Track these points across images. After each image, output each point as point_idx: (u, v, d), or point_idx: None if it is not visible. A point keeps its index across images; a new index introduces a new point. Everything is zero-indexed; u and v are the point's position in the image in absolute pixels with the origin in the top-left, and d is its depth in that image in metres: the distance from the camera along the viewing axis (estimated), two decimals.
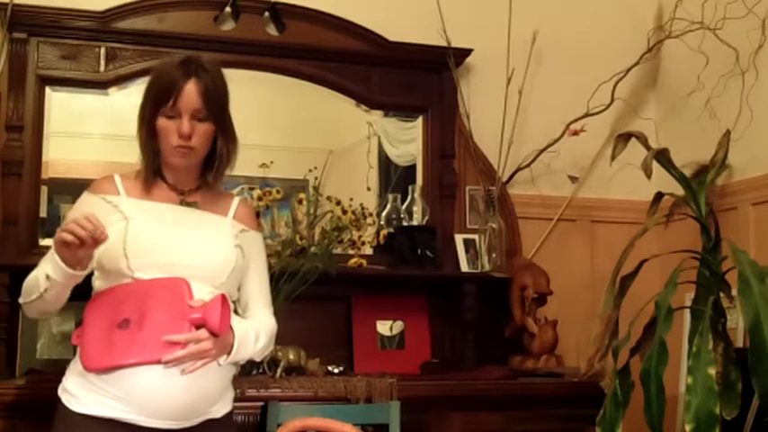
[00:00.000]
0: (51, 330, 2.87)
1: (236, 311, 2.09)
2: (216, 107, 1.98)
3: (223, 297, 1.89)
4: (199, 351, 1.85)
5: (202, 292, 1.92)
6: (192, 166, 2.03)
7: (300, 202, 3.05)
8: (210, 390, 1.95)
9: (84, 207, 2.01)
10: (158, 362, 1.83)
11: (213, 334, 1.86)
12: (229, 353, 1.94)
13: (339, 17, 3.31)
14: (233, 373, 2.07)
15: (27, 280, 1.98)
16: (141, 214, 1.98)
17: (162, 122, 1.96)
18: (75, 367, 1.94)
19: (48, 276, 1.88)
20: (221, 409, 2.01)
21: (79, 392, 1.90)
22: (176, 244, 1.96)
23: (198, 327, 1.86)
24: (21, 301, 2.00)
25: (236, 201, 2.15)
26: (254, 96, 3.26)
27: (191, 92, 1.94)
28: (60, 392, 1.95)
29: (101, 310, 1.91)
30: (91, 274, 2.00)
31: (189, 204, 2.04)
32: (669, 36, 3.45)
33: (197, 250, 1.98)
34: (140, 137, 2.01)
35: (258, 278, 2.14)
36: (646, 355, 2.42)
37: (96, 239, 1.81)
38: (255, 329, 2.03)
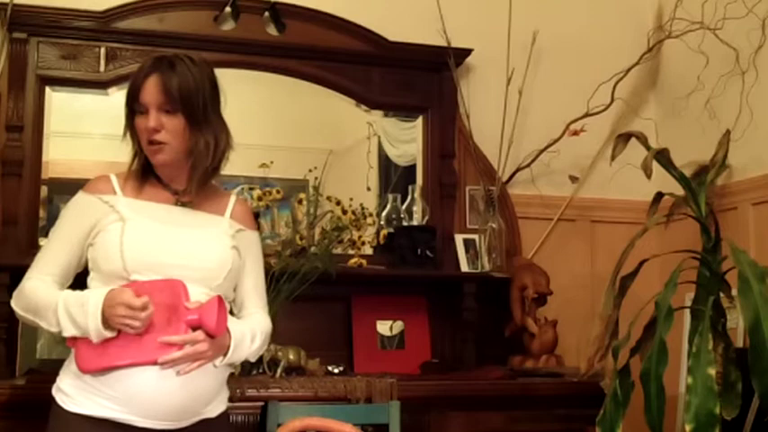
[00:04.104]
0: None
1: (231, 312, 2.08)
2: (182, 99, 1.93)
3: (219, 298, 1.88)
4: (195, 352, 1.85)
5: (199, 294, 1.92)
6: (176, 162, 1.99)
7: (300, 202, 3.05)
8: (206, 390, 1.95)
9: (81, 207, 2.01)
10: (154, 363, 1.83)
11: (210, 335, 1.86)
12: (225, 354, 1.93)
13: (339, 17, 3.31)
14: (228, 373, 2.07)
15: (36, 299, 1.92)
16: (137, 215, 1.96)
17: (136, 121, 1.97)
18: (69, 367, 1.93)
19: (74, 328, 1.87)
20: (216, 408, 2.01)
21: (74, 392, 1.89)
22: (173, 245, 1.95)
23: (194, 328, 1.85)
24: (19, 311, 1.96)
25: (232, 199, 2.14)
26: (254, 96, 3.26)
27: (151, 85, 1.93)
28: (54, 392, 1.94)
29: None
30: (86, 274, 2.00)
31: (184, 204, 2.03)
32: (669, 36, 3.45)
33: (193, 252, 1.97)
34: (130, 140, 2.03)
35: (254, 278, 2.13)
36: (646, 355, 2.42)
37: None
38: (252, 330, 2.03)
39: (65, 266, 1.99)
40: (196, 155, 1.99)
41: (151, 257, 1.92)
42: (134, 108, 1.96)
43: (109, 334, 1.83)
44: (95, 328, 1.82)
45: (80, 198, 2.03)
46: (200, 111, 1.97)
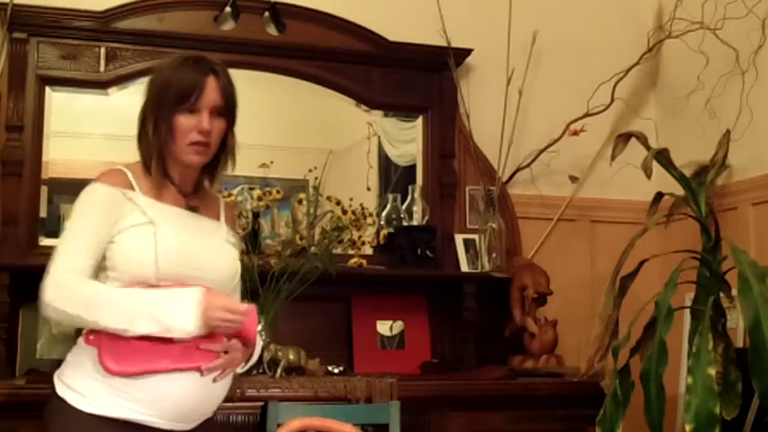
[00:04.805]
0: (51, 330, 2.86)
1: None
2: (232, 104, 2.00)
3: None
4: (232, 360, 1.91)
5: None
6: (201, 165, 2.01)
7: (300, 202, 3.05)
8: (223, 393, 2.00)
9: (105, 199, 1.91)
10: (197, 369, 1.86)
11: (246, 344, 1.92)
12: (247, 360, 1.99)
13: (339, 17, 3.31)
14: None
15: (90, 294, 1.83)
16: (164, 220, 1.93)
17: (181, 119, 1.93)
18: (81, 365, 1.88)
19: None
20: None
21: (91, 393, 1.85)
22: (197, 256, 1.95)
23: (229, 336, 1.90)
24: (64, 308, 1.81)
25: (222, 203, 2.16)
26: (254, 96, 3.24)
27: (212, 88, 1.94)
28: (62, 391, 1.89)
29: None
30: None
31: (192, 209, 2.03)
32: (669, 36, 3.45)
33: (214, 262, 1.98)
34: (151, 136, 1.95)
35: (238, 282, 2.16)
36: (646, 355, 2.42)
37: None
38: None
39: (95, 259, 1.89)
40: (230, 155, 2.03)
41: (182, 268, 1.91)
42: (178, 108, 1.92)
43: (198, 333, 1.82)
44: (196, 328, 1.80)
45: (101, 190, 1.93)
46: (236, 115, 2.03)
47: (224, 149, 2.02)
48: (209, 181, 2.08)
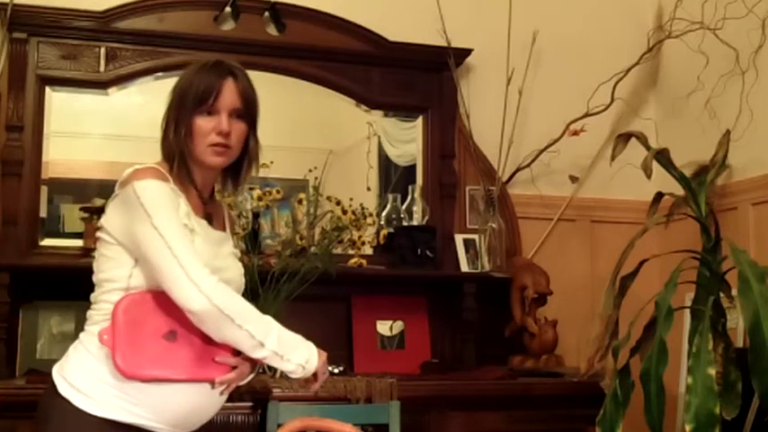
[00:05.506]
0: (51, 330, 2.87)
1: None
2: (252, 107, 1.99)
3: None
4: (241, 374, 1.93)
5: None
6: (222, 167, 2.00)
7: (300, 202, 3.05)
8: (224, 400, 2.00)
9: (172, 197, 1.88)
10: (211, 381, 1.88)
11: (254, 360, 1.93)
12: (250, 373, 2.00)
13: (339, 17, 3.31)
14: None
15: (247, 306, 1.87)
16: (197, 230, 1.92)
17: (199, 122, 1.93)
18: (92, 366, 1.85)
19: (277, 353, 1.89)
20: None
21: (99, 395, 1.83)
22: (217, 271, 1.91)
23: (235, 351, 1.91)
24: (226, 311, 1.80)
25: (225, 210, 2.15)
26: None
27: (230, 90, 1.94)
28: (65, 391, 1.84)
29: (140, 313, 1.84)
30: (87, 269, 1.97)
31: (208, 217, 2.02)
32: (669, 36, 3.45)
33: (227, 277, 1.96)
34: (171, 138, 1.94)
35: None
36: (646, 355, 2.42)
37: None
38: None
39: None
40: (253, 158, 2.03)
41: None
42: (197, 110, 1.92)
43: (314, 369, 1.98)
44: (311, 369, 1.96)
45: (163, 187, 1.88)
46: (258, 118, 2.02)
47: (247, 153, 2.02)
48: (234, 185, 2.07)
